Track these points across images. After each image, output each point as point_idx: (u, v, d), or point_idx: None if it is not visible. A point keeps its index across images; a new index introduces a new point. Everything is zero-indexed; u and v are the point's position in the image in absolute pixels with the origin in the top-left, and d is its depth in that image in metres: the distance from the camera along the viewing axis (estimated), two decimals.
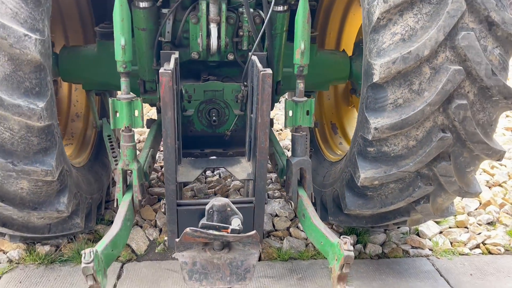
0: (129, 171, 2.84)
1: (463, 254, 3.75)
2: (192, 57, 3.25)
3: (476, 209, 4.35)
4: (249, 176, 3.00)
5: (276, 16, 3.17)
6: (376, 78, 2.62)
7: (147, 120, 3.89)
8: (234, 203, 2.54)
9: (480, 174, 5.01)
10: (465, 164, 2.82)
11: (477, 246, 3.85)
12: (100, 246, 2.31)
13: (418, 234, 3.93)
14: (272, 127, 4.65)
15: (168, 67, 2.56)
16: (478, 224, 4.13)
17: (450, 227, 4.06)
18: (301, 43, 2.74)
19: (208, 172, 4.96)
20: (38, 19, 2.50)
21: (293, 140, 2.96)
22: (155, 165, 4.49)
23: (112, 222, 2.61)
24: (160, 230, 3.87)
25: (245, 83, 3.12)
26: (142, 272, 3.38)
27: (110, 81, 3.45)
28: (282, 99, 4.58)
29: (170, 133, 2.54)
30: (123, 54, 2.61)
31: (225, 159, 3.30)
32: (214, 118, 3.27)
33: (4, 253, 3.51)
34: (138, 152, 2.92)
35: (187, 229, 2.30)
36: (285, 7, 3.17)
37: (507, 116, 6.89)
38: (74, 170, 3.16)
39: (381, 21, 2.59)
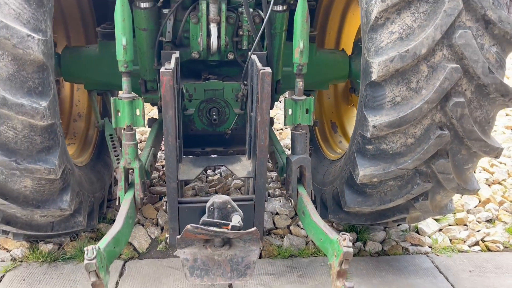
0: (130, 170, 2.87)
1: (462, 251, 3.77)
2: (193, 56, 3.28)
3: (476, 206, 4.38)
4: (249, 174, 3.03)
5: (276, 15, 3.20)
6: (374, 77, 2.65)
7: (149, 119, 3.91)
8: (234, 200, 2.57)
9: (480, 172, 5.04)
10: (463, 161, 2.85)
11: (476, 244, 3.87)
12: (103, 243, 2.34)
13: (417, 232, 3.96)
14: (272, 126, 4.67)
15: (169, 66, 2.59)
16: (478, 221, 4.16)
17: (449, 225, 4.09)
18: (300, 42, 2.77)
19: (209, 171, 4.99)
20: (41, 20, 2.53)
21: (292, 138, 2.99)
22: (156, 164, 4.52)
23: (114, 221, 2.64)
24: (162, 229, 3.91)
25: (245, 82, 3.14)
26: (144, 270, 3.41)
27: (112, 81, 3.48)
28: (282, 98, 4.61)
29: (171, 131, 2.57)
30: (125, 54, 2.64)
31: (226, 158, 3.33)
32: (214, 117, 3.30)
33: (7, 251, 3.55)
34: (139, 152, 2.95)
35: (188, 226, 2.33)
36: (284, 7, 3.19)
37: (507, 114, 6.91)
38: (76, 169, 3.19)
39: (379, 20, 2.61)
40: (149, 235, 3.81)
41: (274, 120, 6.21)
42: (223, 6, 3.07)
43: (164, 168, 4.12)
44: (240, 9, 3.16)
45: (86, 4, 4.06)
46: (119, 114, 2.74)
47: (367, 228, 3.90)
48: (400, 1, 2.55)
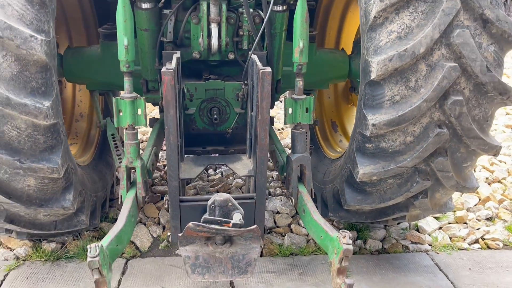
0: (132, 169, 2.90)
1: (462, 249, 3.79)
2: (194, 56, 3.30)
3: (475, 205, 4.40)
4: (250, 172, 3.05)
5: (275, 15, 3.22)
6: (373, 76, 2.67)
7: (150, 119, 3.94)
8: (235, 198, 2.60)
9: (480, 170, 5.06)
10: (462, 159, 2.87)
11: (476, 241, 3.89)
12: (105, 241, 2.36)
13: (417, 230, 3.98)
14: (273, 125, 4.69)
15: (170, 66, 2.61)
16: (477, 219, 4.18)
17: (449, 223, 4.11)
18: (299, 42, 2.79)
19: (211, 171, 5.02)
20: (44, 21, 2.56)
21: (293, 137, 3.02)
22: (158, 163, 4.55)
23: (116, 220, 2.67)
24: (164, 227, 3.93)
25: (246, 82, 3.17)
26: (146, 268, 3.44)
27: (114, 81, 3.51)
28: (282, 98, 4.63)
29: (173, 130, 2.59)
30: (126, 54, 2.67)
31: (227, 157, 3.36)
32: (215, 116, 3.32)
33: (11, 250, 3.58)
34: (141, 151, 2.97)
35: (190, 224, 2.36)
36: (284, 7, 3.22)
37: (507, 113, 6.92)
38: (79, 169, 3.22)
39: (378, 19, 2.64)
40: (151, 233, 3.84)
41: (275, 119, 6.23)
42: (224, 7, 3.10)
43: (166, 168, 4.14)
44: (240, 10, 3.19)
45: (88, 5, 4.08)
46: (121, 113, 2.77)
47: (368, 227, 3.92)
48: (398, 1, 2.57)
